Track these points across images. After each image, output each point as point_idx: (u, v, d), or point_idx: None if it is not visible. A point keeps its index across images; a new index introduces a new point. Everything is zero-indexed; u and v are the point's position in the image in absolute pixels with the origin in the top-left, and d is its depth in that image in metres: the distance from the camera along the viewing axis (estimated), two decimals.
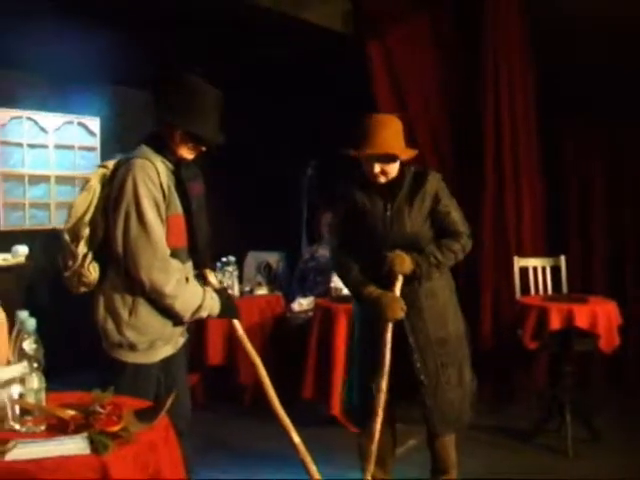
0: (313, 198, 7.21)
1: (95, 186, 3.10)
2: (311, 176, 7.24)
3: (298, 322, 6.06)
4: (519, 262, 5.84)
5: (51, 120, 7.09)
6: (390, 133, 3.60)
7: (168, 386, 3.17)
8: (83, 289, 3.12)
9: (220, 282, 5.95)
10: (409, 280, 3.62)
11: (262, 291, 6.36)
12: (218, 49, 6.88)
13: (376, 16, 6.22)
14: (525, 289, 5.80)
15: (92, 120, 7.41)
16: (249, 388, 5.84)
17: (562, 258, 5.83)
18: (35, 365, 2.37)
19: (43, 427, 2.28)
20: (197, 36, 6.57)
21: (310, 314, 5.93)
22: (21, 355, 2.38)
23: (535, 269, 5.83)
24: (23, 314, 2.44)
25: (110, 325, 3.04)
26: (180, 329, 3.21)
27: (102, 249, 3.07)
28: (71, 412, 2.30)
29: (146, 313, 3.03)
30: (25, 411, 2.30)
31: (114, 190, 3.02)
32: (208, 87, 3.14)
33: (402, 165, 3.69)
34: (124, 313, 3.02)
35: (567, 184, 6.32)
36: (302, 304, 6.18)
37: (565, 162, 6.31)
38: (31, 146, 6.96)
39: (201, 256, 3.24)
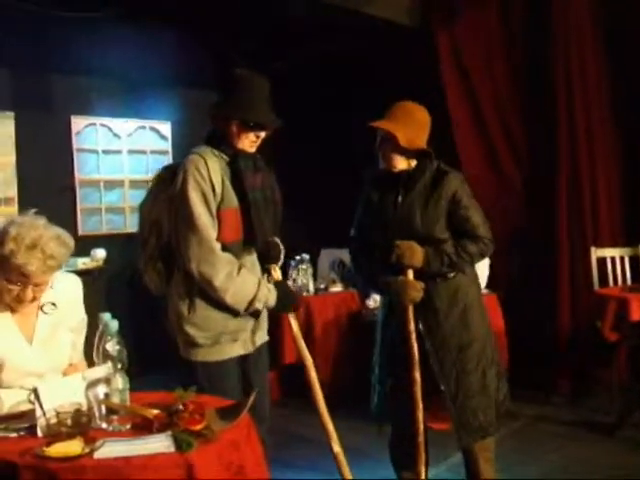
0: None
1: (154, 187, 3.18)
2: None
3: (373, 318, 6.01)
4: (596, 253, 5.73)
5: (124, 126, 7.22)
6: (403, 118, 3.46)
7: (244, 388, 3.18)
8: (156, 291, 3.18)
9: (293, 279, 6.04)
10: (421, 275, 3.42)
11: (336, 288, 6.36)
12: (284, 48, 6.94)
13: (444, 6, 6.18)
14: (603, 280, 5.68)
15: (164, 124, 7.51)
16: (324, 384, 5.85)
17: None
18: (119, 366, 2.42)
19: (128, 426, 2.33)
20: (264, 35, 6.64)
21: None
22: (105, 356, 2.43)
23: (613, 259, 5.71)
24: (106, 316, 2.48)
25: (175, 325, 3.10)
26: (249, 326, 3.18)
27: (168, 250, 3.11)
28: (155, 411, 2.34)
29: (204, 309, 3.04)
30: (111, 410, 2.35)
31: (172, 189, 3.07)
32: (254, 77, 3.18)
33: (424, 160, 3.51)
34: (184, 310, 3.05)
35: None
36: (377, 300, 6.15)
37: None
38: (105, 152, 7.10)
39: (264, 250, 3.20)
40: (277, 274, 3.27)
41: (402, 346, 3.45)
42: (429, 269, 3.41)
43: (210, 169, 3.02)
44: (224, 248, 3.02)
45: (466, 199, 3.49)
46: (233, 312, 3.09)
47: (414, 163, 3.54)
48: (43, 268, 2.60)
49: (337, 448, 3.27)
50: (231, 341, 3.12)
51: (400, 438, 3.63)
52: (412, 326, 3.43)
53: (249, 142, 3.14)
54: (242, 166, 3.09)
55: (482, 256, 3.53)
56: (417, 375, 3.41)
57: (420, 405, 3.43)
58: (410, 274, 3.43)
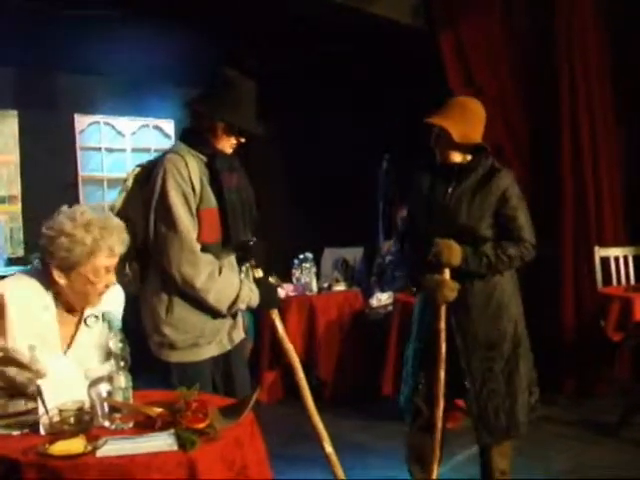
0: (389, 192, 7.17)
1: (130, 186, 3.15)
2: (387, 170, 7.21)
3: (377, 317, 6.04)
4: (600, 252, 5.72)
5: (127, 124, 7.23)
6: (457, 113, 3.46)
7: (225, 387, 3.18)
8: (130, 290, 3.11)
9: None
10: (458, 273, 3.42)
11: (340, 287, 6.35)
12: (288, 47, 6.93)
13: (447, 5, 6.17)
14: (607, 279, 5.67)
15: (167, 122, 7.52)
16: (328, 383, 5.86)
17: None
18: (122, 364, 2.41)
19: (131, 424, 2.32)
20: (268, 34, 6.63)
21: (389, 309, 5.91)
22: (108, 354, 2.42)
23: (617, 259, 5.70)
24: (109, 314, 2.48)
25: (151, 325, 3.08)
26: (225, 327, 3.16)
27: (143, 250, 3.07)
28: (158, 409, 2.34)
29: (182, 310, 3.03)
30: (114, 409, 2.34)
31: (149, 188, 3.05)
32: (244, 80, 3.15)
33: (479, 155, 3.50)
34: (162, 312, 3.03)
35: None
36: (381, 299, 6.16)
37: None
38: (109, 150, 7.12)
39: (240, 250, 3.17)
40: (258, 273, 3.22)
41: (433, 343, 3.46)
42: (466, 268, 3.40)
43: (190, 169, 3.00)
44: (204, 249, 3.00)
45: (515, 199, 3.46)
46: (212, 314, 3.07)
47: (469, 157, 3.53)
48: (124, 242, 2.61)
49: (329, 449, 3.26)
50: (207, 343, 3.10)
51: (422, 434, 3.60)
52: (442, 324, 3.43)
53: (230, 145, 3.14)
54: (219, 167, 3.07)
55: (522, 260, 3.46)
56: (442, 373, 3.42)
57: (440, 403, 3.45)
58: (446, 273, 3.42)
